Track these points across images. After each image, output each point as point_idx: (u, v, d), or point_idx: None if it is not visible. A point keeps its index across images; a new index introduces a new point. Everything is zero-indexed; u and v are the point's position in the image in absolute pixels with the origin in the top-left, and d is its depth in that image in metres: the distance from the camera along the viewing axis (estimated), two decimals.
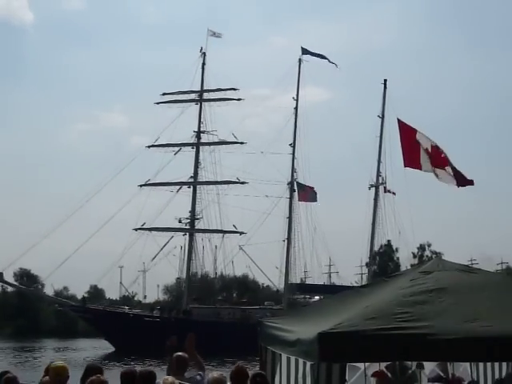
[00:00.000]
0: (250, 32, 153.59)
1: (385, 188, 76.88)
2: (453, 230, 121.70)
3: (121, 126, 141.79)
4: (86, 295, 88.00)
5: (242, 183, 76.16)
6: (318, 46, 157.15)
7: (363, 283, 61.68)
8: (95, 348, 69.73)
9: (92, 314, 71.86)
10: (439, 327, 6.82)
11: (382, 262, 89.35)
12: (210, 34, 80.00)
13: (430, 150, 14.17)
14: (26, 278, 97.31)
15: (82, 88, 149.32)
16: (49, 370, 7.13)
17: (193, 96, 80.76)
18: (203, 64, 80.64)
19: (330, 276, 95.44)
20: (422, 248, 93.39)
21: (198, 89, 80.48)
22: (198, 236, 78.71)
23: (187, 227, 78.03)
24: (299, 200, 78.92)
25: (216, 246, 77.92)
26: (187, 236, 78.18)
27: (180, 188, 78.26)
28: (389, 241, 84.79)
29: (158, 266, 77.70)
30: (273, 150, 77.30)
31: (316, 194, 77.98)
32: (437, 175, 14.17)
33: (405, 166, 14.62)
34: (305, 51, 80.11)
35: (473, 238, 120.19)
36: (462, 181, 14.30)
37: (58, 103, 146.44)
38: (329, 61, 79.34)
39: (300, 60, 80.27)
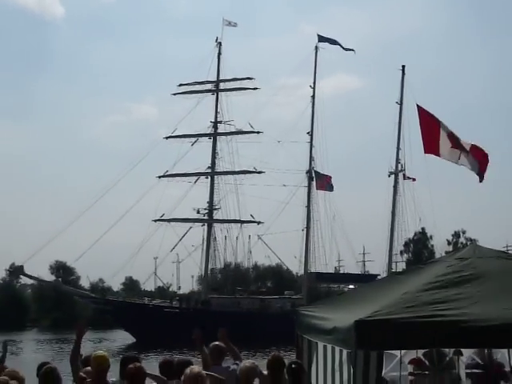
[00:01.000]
0: (274, 21, 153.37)
1: (404, 175, 76.37)
2: (484, 215, 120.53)
3: (152, 119, 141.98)
4: (105, 287, 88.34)
5: (259, 173, 76.07)
6: (342, 33, 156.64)
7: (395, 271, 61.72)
8: (119, 339, 69.89)
9: (112, 306, 72.18)
10: (477, 314, 6.74)
11: (417, 250, 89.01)
12: (225, 23, 79.92)
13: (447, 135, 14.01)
14: (63, 270, 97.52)
15: (111, 80, 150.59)
16: (90, 359, 7.15)
17: (209, 86, 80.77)
18: (219, 54, 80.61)
19: (364, 264, 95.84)
20: (456, 235, 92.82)
21: (214, 79, 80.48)
22: (217, 226, 78.98)
23: (205, 218, 78.20)
24: (317, 189, 78.57)
25: (248, 237, 78.00)
26: (205, 226, 78.35)
27: (198, 179, 78.48)
28: (423, 228, 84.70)
29: (191, 257, 78.06)
30: (290, 139, 77.30)
31: (331, 183, 77.69)
32: (458, 159, 13.98)
33: (425, 153, 14.44)
34: (321, 38, 79.24)
35: (507, 223, 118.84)
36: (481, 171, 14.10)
37: (85, 96, 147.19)
38: (344, 48, 78.72)
39: (316, 47, 79.59)
